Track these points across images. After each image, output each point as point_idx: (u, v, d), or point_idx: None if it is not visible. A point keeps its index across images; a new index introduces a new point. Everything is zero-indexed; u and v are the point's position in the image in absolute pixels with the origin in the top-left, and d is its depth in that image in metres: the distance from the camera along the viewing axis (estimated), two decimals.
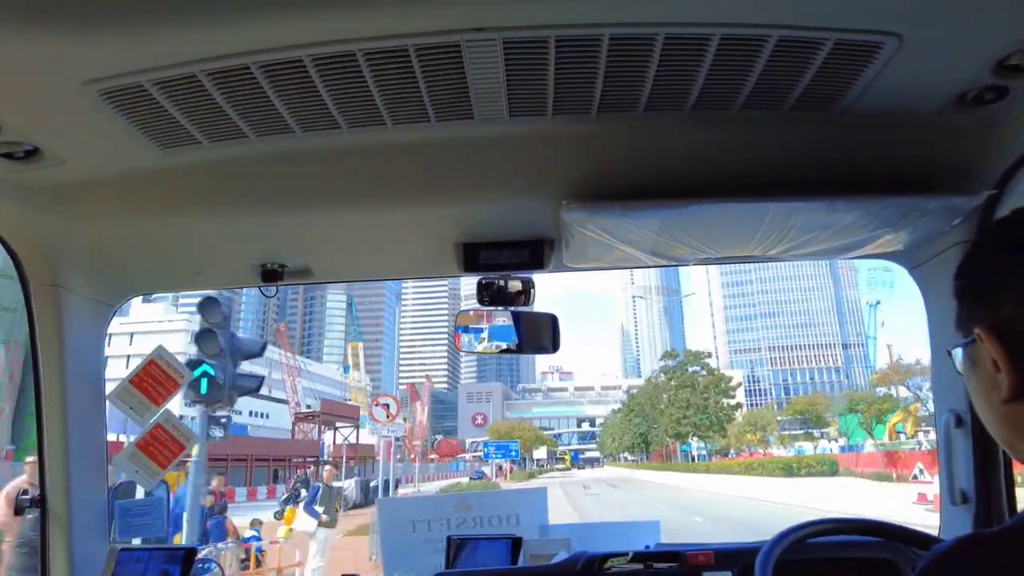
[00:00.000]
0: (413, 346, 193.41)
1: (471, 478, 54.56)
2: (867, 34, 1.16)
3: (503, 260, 1.85)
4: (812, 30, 1.16)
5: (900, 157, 1.51)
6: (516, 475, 61.69)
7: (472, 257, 1.85)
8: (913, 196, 1.47)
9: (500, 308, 2.00)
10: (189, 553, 2.00)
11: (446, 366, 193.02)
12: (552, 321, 2.10)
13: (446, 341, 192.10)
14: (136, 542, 2.19)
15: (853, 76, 1.29)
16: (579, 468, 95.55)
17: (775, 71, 1.27)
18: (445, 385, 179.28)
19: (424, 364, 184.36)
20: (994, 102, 1.34)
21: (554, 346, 2.10)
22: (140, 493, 2.22)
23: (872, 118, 1.42)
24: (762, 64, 1.25)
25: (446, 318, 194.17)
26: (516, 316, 2.02)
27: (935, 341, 1.82)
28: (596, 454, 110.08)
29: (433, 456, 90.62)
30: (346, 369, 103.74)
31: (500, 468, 60.26)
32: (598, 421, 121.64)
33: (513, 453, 42.83)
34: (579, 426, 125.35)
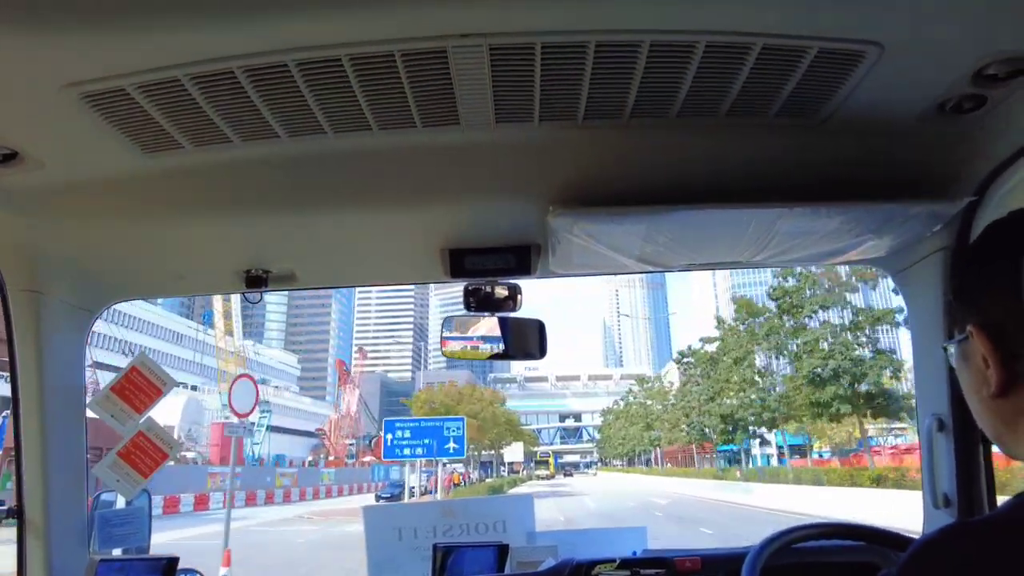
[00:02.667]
0: (379, 329, 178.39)
1: (378, 496, 35.84)
2: (850, 43, 1.18)
3: (490, 266, 1.85)
4: (796, 38, 1.17)
5: (882, 164, 1.53)
6: (465, 491, 36.32)
7: (458, 263, 1.85)
8: (895, 202, 1.49)
9: (487, 314, 2.00)
10: (171, 562, 1.96)
11: (410, 352, 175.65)
12: (539, 327, 2.10)
13: (411, 323, 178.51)
14: (117, 552, 2.15)
15: (836, 84, 1.30)
16: (565, 474, 76.34)
17: (760, 78, 1.29)
18: (409, 374, 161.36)
19: (387, 349, 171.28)
20: (973, 110, 1.36)
21: (541, 352, 2.10)
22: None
23: (855, 125, 1.43)
24: (747, 71, 1.26)
25: (411, 298, 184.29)
26: (503, 322, 2.02)
27: (918, 345, 1.84)
28: (576, 457, 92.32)
29: (368, 458, 66.66)
30: (206, 317, 69.60)
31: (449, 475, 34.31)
32: (585, 417, 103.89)
33: (452, 448, 19.54)
34: (562, 422, 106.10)
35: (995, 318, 0.78)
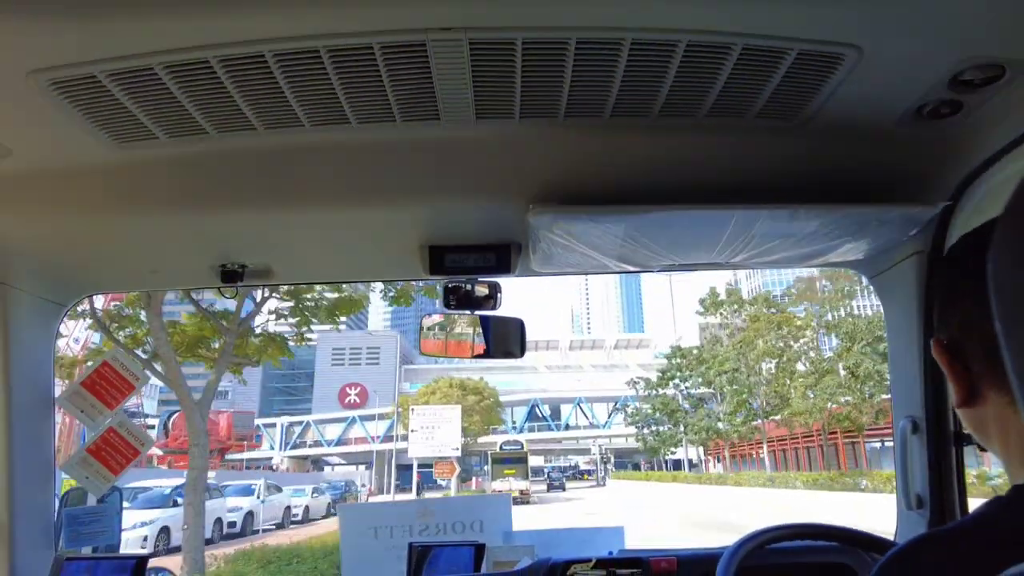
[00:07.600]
0: None
1: None
2: (829, 45, 1.18)
3: (469, 264, 1.84)
4: (776, 39, 1.18)
5: (860, 167, 1.54)
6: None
7: (438, 260, 1.83)
8: (872, 206, 1.51)
9: (467, 312, 1.98)
10: (140, 562, 1.92)
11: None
12: (519, 326, 2.09)
13: None
14: (86, 551, 2.10)
15: (815, 86, 1.31)
16: (551, 487, 43.86)
17: (740, 79, 1.29)
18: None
19: None
20: (950, 116, 1.37)
21: (521, 350, 2.09)
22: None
23: (834, 128, 1.44)
24: (727, 72, 1.26)
25: None
26: (483, 320, 2.01)
27: (894, 348, 1.86)
28: (540, 460, 56.23)
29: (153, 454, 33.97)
30: None
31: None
32: (565, 406, 64.36)
33: None
34: (532, 408, 64.53)
35: (953, 333, 0.78)
